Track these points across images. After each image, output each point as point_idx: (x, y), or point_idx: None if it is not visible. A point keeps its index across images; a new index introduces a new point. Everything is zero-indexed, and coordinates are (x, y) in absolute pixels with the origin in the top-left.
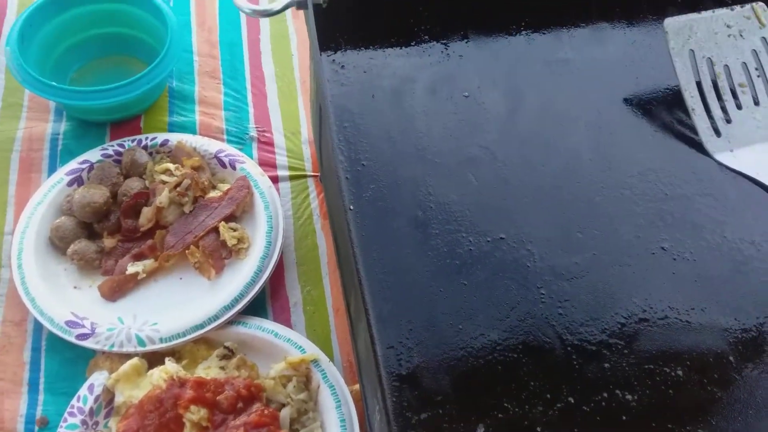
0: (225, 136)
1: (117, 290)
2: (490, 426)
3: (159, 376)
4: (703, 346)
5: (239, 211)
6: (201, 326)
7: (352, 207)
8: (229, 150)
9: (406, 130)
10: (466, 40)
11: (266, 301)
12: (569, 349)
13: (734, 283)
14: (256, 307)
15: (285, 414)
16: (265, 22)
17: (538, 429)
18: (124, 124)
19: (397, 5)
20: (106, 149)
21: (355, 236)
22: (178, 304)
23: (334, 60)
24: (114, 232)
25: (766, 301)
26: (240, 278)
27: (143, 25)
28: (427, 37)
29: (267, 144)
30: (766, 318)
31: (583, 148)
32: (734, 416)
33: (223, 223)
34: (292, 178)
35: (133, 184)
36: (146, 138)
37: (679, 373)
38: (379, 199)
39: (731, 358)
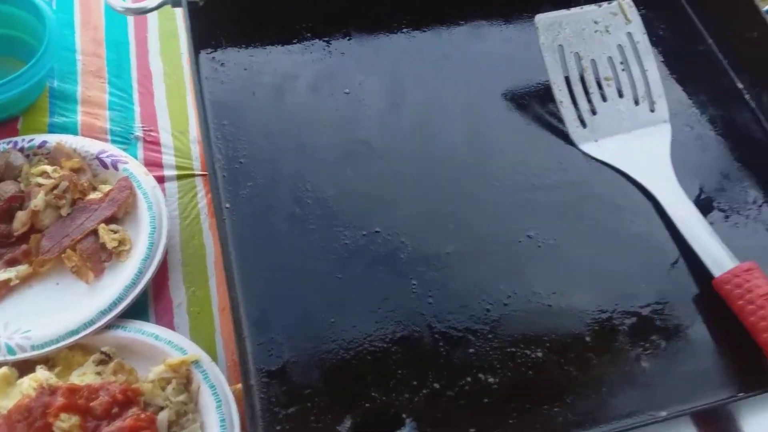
0: (109, 137)
1: None
2: (357, 416)
3: (29, 384)
4: (562, 329)
5: (121, 213)
6: (75, 332)
7: (228, 205)
8: (112, 150)
9: (286, 127)
10: (348, 38)
11: (148, 303)
12: (437, 336)
13: (594, 268)
14: (138, 310)
15: (162, 417)
16: (153, 21)
17: (404, 416)
18: (0, 126)
19: (279, 3)
20: None
21: (229, 233)
22: (53, 310)
23: (213, 57)
24: None
25: (622, 285)
26: (120, 281)
27: (22, 24)
28: (309, 34)
29: (153, 143)
30: (621, 300)
31: (460, 141)
32: (588, 393)
33: (102, 225)
34: (179, 177)
35: (7, 188)
36: (23, 140)
37: (539, 354)
38: (256, 197)
39: (587, 338)
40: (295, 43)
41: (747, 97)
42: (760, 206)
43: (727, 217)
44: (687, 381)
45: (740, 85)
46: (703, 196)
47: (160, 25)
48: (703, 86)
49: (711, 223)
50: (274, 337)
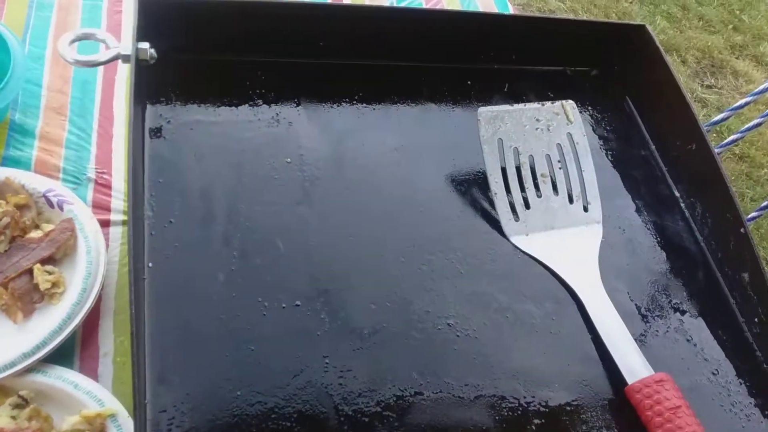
0: (61, 175)
1: None
2: None
3: None
4: (471, 422)
5: (59, 254)
6: None
7: (150, 264)
8: (60, 190)
9: (223, 190)
10: (297, 107)
11: (75, 349)
12: (342, 419)
13: (510, 362)
14: (62, 355)
15: None
16: (122, 65)
17: None
18: None
19: (234, 66)
20: None
21: (147, 293)
22: None
23: (161, 114)
24: None
25: (536, 382)
26: (48, 324)
27: None
28: (260, 100)
29: (104, 186)
30: (533, 397)
31: (393, 221)
32: None
33: (38, 265)
34: (125, 223)
35: None
36: None
37: None
38: (180, 259)
39: None
40: (244, 108)
41: (682, 205)
42: (682, 317)
43: (648, 324)
44: None
45: (677, 194)
46: (626, 300)
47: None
48: (641, 191)
49: (631, 329)
50: (177, 406)
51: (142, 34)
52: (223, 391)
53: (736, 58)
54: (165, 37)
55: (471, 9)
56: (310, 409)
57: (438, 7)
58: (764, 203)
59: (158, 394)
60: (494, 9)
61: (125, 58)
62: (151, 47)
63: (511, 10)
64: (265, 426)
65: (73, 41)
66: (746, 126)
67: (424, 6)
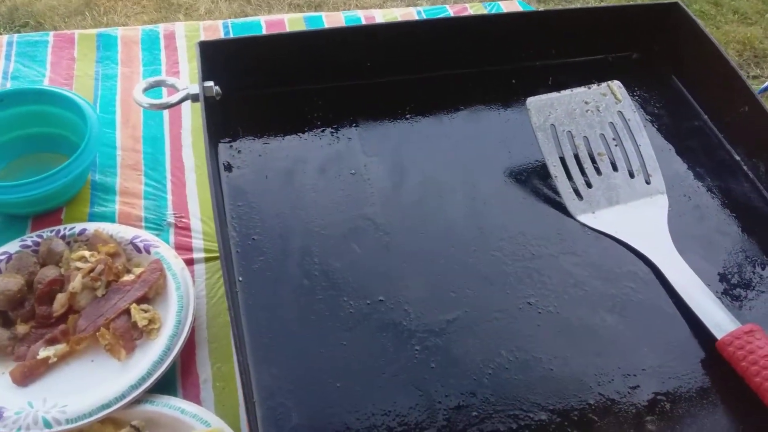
0: (143, 223)
1: (28, 375)
2: None
3: None
4: (565, 392)
5: (152, 293)
6: (107, 406)
7: (240, 278)
8: (145, 236)
9: (296, 206)
10: (355, 125)
11: (176, 378)
12: (440, 399)
13: (595, 333)
14: (166, 385)
15: None
16: (186, 118)
17: None
18: (46, 216)
19: (291, 96)
20: (25, 240)
21: (241, 304)
22: (88, 385)
23: (231, 146)
24: (28, 319)
25: (624, 349)
26: (149, 357)
27: (67, 123)
28: (319, 122)
29: (184, 229)
30: (624, 364)
31: (460, 216)
32: None
33: (134, 305)
34: (207, 260)
35: (49, 272)
36: (65, 228)
37: (543, 417)
38: (267, 270)
39: (591, 402)
40: (305, 131)
41: (745, 167)
42: (762, 272)
43: (728, 282)
44: None
45: (737, 157)
46: (703, 263)
47: (193, 121)
48: (700, 159)
49: (712, 289)
50: (283, 401)
51: (206, 75)
52: (323, 385)
53: None
54: (226, 75)
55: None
56: (408, 394)
57: (465, 14)
58: None
59: (263, 392)
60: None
61: (194, 98)
62: (215, 85)
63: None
64: (368, 412)
65: (146, 89)
66: None
67: (451, 14)
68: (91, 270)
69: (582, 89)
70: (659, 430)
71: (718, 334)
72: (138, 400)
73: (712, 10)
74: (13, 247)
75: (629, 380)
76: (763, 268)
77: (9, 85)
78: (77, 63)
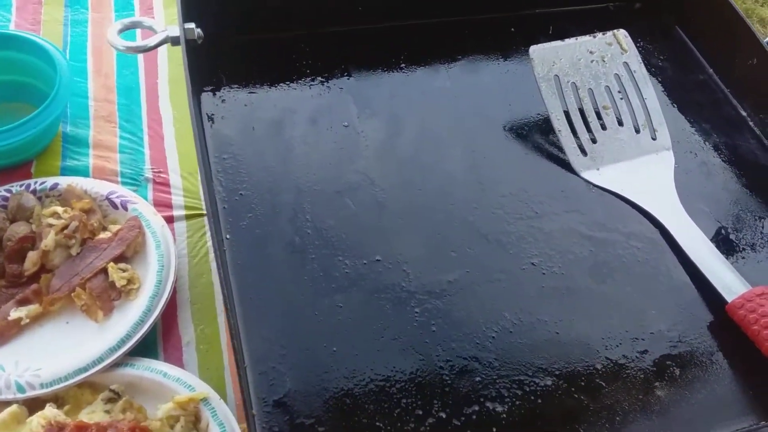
0: (119, 179)
1: None
2: None
3: (38, 422)
4: (571, 357)
5: (130, 252)
6: (84, 369)
7: (228, 236)
8: (122, 191)
9: (286, 159)
10: (347, 74)
11: (157, 341)
12: (441, 364)
13: (601, 295)
14: (147, 348)
15: None
16: (163, 67)
17: None
18: (14, 169)
19: (278, 42)
20: None
21: (230, 263)
22: (63, 348)
23: (215, 95)
24: None
25: (632, 312)
26: (128, 319)
27: (35, 71)
28: (308, 71)
29: (163, 185)
30: (631, 327)
31: (459, 171)
32: (601, 423)
33: (112, 264)
34: (188, 217)
35: (19, 229)
36: (35, 182)
37: (548, 382)
38: (256, 227)
39: (598, 366)
40: (294, 80)
41: (751, 124)
42: None
43: (736, 243)
44: (705, 409)
45: (743, 113)
46: (710, 222)
47: (170, 70)
48: (706, 114)
49: (720, 249)
50: (275, 366)
51: (187, 16)
52: (318, 349)
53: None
54: (208, 18)
55: None
56: (407, 358)
57: None
58: None
59: (255, 357)
60: None
61: (174, 40)
62: (197, 27)
63: None
64: (366, 377)
65: (121, 30)
66: None
67: None
68: (65, 227)
69: (587, 38)
70: (668, 396)
71: (729, 297)
72: (117, 364)
73: None
74: None
75: (637, 344)
76: None
77: None
78: (44, 7)
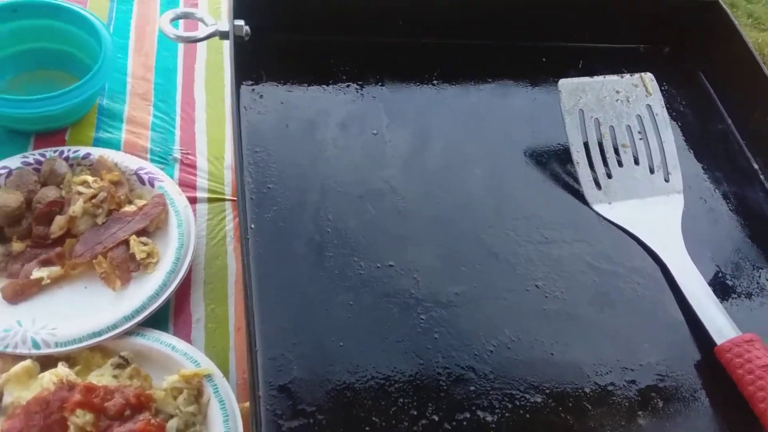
0: (149, 155)
1: (20, 293)
2: None
3: (49, 379)
4: (562, 378)
5: (152, 227)
6: (98, 334)
7: (253, 225)
8: (150, 168)
9: (315, 159)
10: (381, 84)
11: (169, 315)
12: (439, 370)
13: (598, 323)
14: (158, 321)
15: (171, 425)
16: (201, 52)
17: None
18: (49, 135)
19: (319, 46)
20: (27, 157)
21: (251, 251)
22: (80, 311)
23: (254, 89)
24: (24, 238)
25: (625, 342)
26: (144, 291)
27: (79, 42)
28: (344, 77)
29: (190, 166)
30: (622, 357)
31: (478, 189)
32: None
33: (134, 236)
34: (210, 200)
35: (49, 193)
36: (69, 150)
37: (538, 399)
38: (280, 220)
39: (586, 390)
40: (330, 84)
41: (762, 177)
42: (766, 283)
43: (732, 289)
44: None
45: (756, 166)
46: (710, 267)
47: (208, 57)
48: (719, 163)
49: (716, 294)
50: (284, 353)
51: (237, 13)
52: (326, 342)
53: None
54: (256, 16)
55: None
56: (408, 360)
57: None
58: None
59: (266, 343)
60: None
61: (223, 35)
62: (245, 24)
63: None
64: (368, 374)
65: (173, 19)
66: None
67: None
68: (93, 196)
69: (615, 77)
70: (649, 426)
71: (718, 340)
72: (129, 332)
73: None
74: (14, 162)
75: (626, 374)
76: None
77: None
78: None
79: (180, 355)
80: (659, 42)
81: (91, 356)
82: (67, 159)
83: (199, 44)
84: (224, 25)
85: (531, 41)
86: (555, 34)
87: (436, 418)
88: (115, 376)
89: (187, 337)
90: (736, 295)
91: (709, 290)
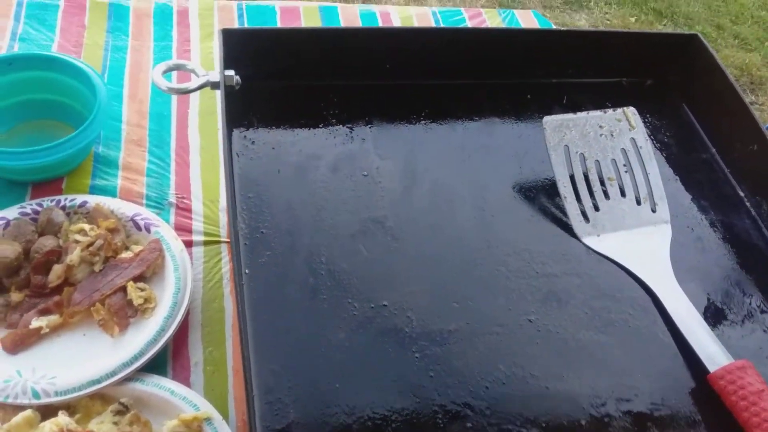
0: (144, 201)
1: (19, 343)
2: None
3: (50, 428)
4: (558, 411)
5: (149, 272)
6: (98, 381)
7: (247, 270)
8: (146, 214)
9: (307, 202)
10: (370, 125)
11: (167, 359)
12: (436, 408)
13: (591, 355)
14: (157, 365)
15: None
16: (195, 97)
17: None
18: (47, 184)
19: (308, 90)
20: (24, 207)
21: (246, 297)
22: (79, 359)
23: (245, 136)
24: (23, 288)
25: (619, 373)
26: (142, 336)
27: (74, 93)
28: (334, 120)
29: (185, 210)
30: (617, 387)
31: (468, 226)
32: None
33: (131, 282)
34: (206, 243)
35: (47, 242)
36: (65, 199)
37: None
38: (273, 265)
39: (583, 422)
40: (320, 128)
41: (748, 204)
42: (756, 309)
43: (723, 316)
44: None
45: (741, 193)
46: (700, 295)
47: (201, 101)
48: (705, 192)
49: (708, 321)
50: (281, 397)
51: (227, 63)
52: (322, 384)
53: None
54: (246, 65)
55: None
56: (405, 400)
57: (482, 26)
58: None
59: (263, 387)
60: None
61: (214, 85)
62: (236, 74)
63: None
64: (365, 415)
65: (165, 71)
66: None
67: (466, 18)
68: (90, 244)
69: (598, 113)
70: None
71: (711, 367)
72: (128, 378)
73: (713, 33)
74: (11, 213)
75: (621, 404)
76: (758, 305)
77: (17, 47)
78: (87, 31)
79: (179, 400)
80: (642, 75)
81: (91, 404)
82: (63, 208)
83: None
84: (215, 76)
85: (515, 79)
86: (539, 71)
87: None
88: (115, 423)
89: (186, 381)
90: (727, 322)
91: (700, 318)
